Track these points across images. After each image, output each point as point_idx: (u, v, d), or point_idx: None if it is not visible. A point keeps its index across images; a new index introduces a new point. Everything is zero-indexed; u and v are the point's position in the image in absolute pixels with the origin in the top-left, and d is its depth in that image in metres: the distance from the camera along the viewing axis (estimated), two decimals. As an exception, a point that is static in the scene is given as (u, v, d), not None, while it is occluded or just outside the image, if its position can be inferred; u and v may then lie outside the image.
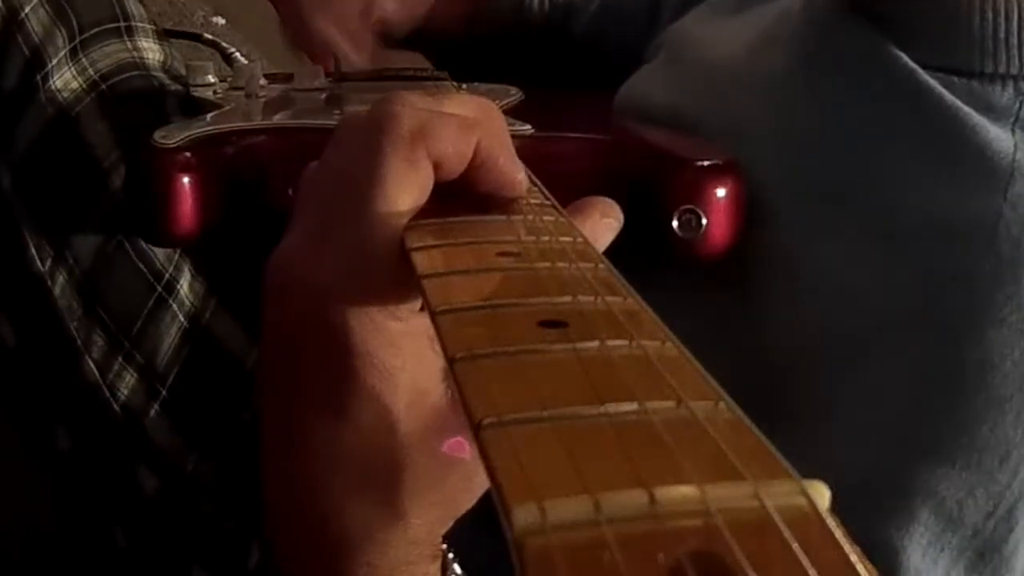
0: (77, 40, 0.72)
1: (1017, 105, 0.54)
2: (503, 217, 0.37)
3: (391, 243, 0.34)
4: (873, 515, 0.48)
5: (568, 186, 0.48)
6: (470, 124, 0.36)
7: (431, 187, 0.36)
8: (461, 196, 0.37)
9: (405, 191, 0.35)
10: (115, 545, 0.72)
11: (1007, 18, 0.54)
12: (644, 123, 0.67)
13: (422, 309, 0.35)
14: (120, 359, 0.70)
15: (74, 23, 0.73)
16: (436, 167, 0.36)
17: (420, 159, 0.35)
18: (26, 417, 0.76)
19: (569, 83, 0.78)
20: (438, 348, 0.28)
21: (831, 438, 0.51)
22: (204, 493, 0.71)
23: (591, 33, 0.84)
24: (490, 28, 0.82)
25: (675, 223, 0.56)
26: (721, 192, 0.56)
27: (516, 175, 0.38)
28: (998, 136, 0.53)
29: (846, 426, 0.51)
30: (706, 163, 0.57)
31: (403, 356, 0.35)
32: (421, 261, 0.33)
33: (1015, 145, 0.53)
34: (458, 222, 0.36)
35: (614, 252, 0.33)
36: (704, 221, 0.56)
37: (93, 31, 0.73)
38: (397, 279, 0.34)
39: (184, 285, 0.71)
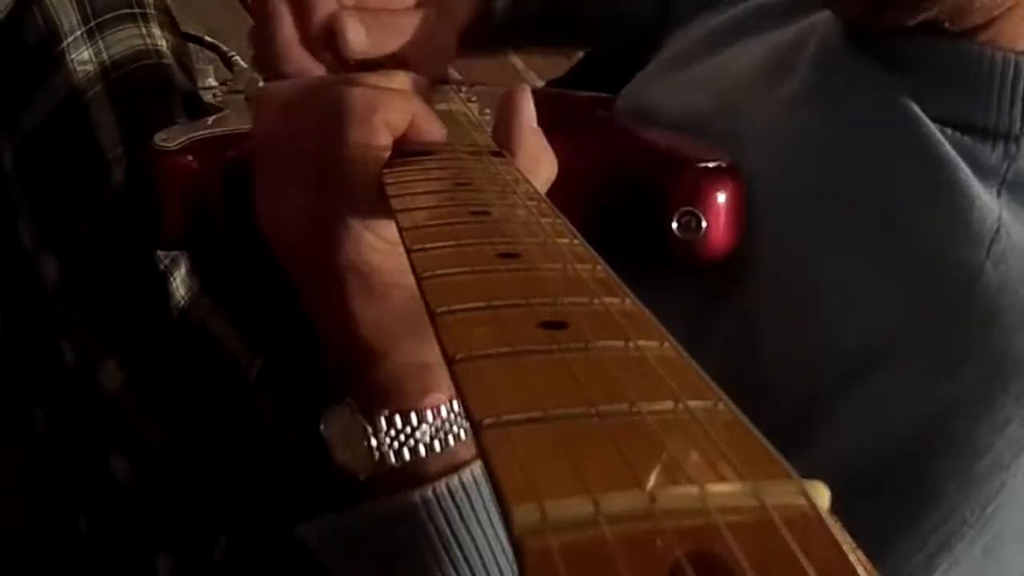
0: (93, 22, 0.72)
1: (1004, 167, 0.54)
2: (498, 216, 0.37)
3: (372, 186, 0.43)
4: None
5: (568, 186, 0.49)
6: (407, 97, 0.47)
7: (391, 144, 0.45)
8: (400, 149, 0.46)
9: (372, 150, 0.44)
10: (78, 535, 0.72)
11: (1003, 74, 0.54)
12: (645, 125, 0.67)
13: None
14: (102, 343, 0.70)
15: (88, 6, 0.73)
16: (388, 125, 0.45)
17: (379, 127, 0.44)
18: (6, 398, 0.75)
19: (571, 82, 0.78)
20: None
21: (828, 443, 0.51)
22: (175, 482, 0.71)
23: (600, 15, 0.83)
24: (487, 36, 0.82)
25: (674, 225, 0.56)
26: (721, 195, 0.56)
27: (439, 133, 0.47)
28: (983, 194, 0.53)
29: (817, 450, 0.51)
30: (706, 165, 0.57)
31: (388, 270, 0.45)
32: (421, 261, 0.33)
33: (1000, 207, 0.53)
34: (459, 222, 0.37)
35: (613, 253, 0.33)
36: (704, 223, 0.56)
37: (109, 15, 0.73)
38: (381, 212, 0.43)
39: (178, 278, 0.71)
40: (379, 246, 0.45)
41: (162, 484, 0.71)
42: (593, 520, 0.19)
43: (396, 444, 0.47)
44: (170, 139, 0.59)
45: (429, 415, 0.47)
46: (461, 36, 0.73)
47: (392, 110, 0.45)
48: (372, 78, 0.49)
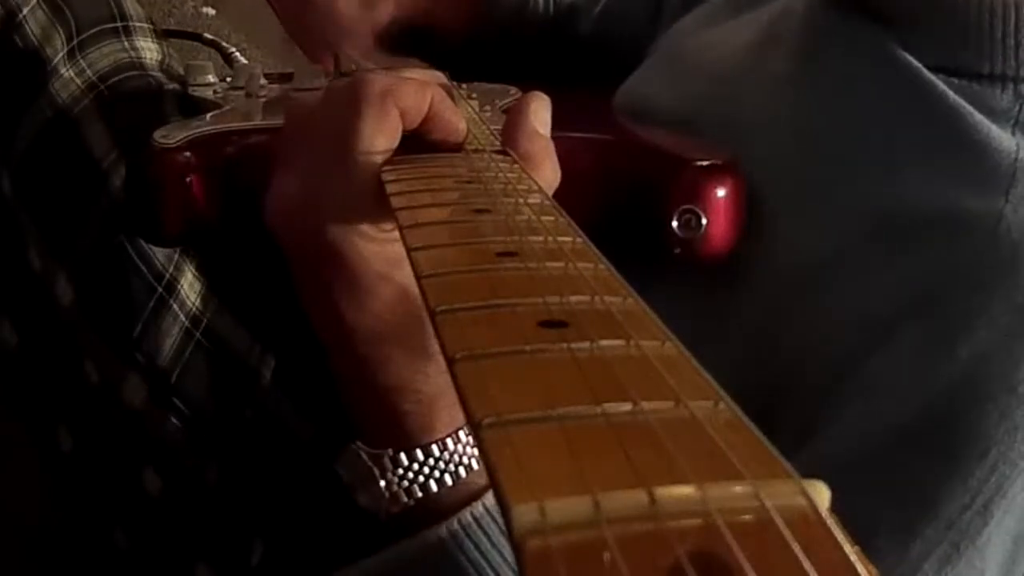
0: (75, 41, 0.72)
1: (1017, 108, 0.54)
2: (497, 215, 0.37)
3: (372, 177, 0.44)
4: (851, 493, 0.48)
5: (568, 186, 0.49)
6: (424, 85, 0.47)
7: (400, 133, 0.45)
8: (421, 144, 0.47)
9: (380, 134, 0.45)
10: (116, 547, 0.72)
11: (1005, 19, 0.54)
12: (644, 123, 0.67)
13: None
14: (122, 359, 0.70)
15: (72, 24, 0.73)
16: (401, 116, 0.45)
17: (389, 110, 0.45)
18: (28, 418, 0.75)
19: (572, 82, 0.78)
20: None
21: (829, 434, 0.51)
22: (208, 492, 0.71)
23: (595, 33, 0.84)
24: (492, 29, 0.82)
25: (675, 223, 0.56)
26: (721, 192, 0.56)
27: (459, 124, 0.48)
28: (1000, 136, 0.53)
29: (846, 421, 0.51)
30: (706, 163, 0.57)
31: (377, 260, 0.46)
32: (421, 260, 0.33)
33: (1017, 145, 0.53)
34: (460, 220, 0.36)
35: (614, 252, 0.33)
36: (704, 221, 0.56)
37: (91, 31, 0.73)
38: (376, 205, 0.43)
39: (185, 285, 0.71)
40: (368, 232, 0.45)
41: (194, 496, 0.71)
42: (593, 520, 0.19)
43: (406, 483, 0.47)
44: (169, 136, 0.59)
45: (435, 450, 0.47)
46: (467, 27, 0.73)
47: (405, 96, 0.46)
48: (393, 71, 0.50)
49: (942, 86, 0.55)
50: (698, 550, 0.19)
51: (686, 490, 0.20)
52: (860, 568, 0.19)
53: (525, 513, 0.19)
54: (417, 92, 0.46)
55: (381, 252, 0.45)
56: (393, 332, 0.46)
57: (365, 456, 0.48)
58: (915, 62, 0.56)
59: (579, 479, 0.20)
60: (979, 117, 0.54)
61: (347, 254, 0.45)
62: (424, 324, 0.41)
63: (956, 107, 0.54)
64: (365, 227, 0.45)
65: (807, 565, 0.19)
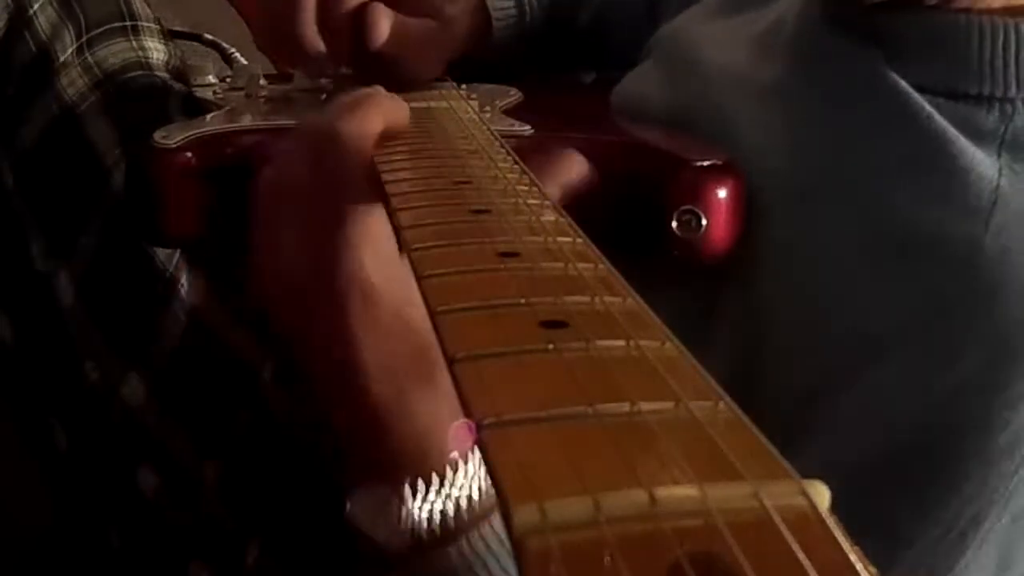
0: (84, 38, 0.73)
1: (1003, 128, 0.54)
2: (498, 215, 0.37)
3: (367, 168, 0.44)
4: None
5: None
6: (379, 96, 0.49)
7: (381, 126, 0.46)
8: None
9: (366, 127, 0.45)
10: (109, 546, 0.72)
11: (993, 39, 0.54)
12: (643, 123, 0.66)
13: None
14: (121, 358, 0.70)
15: (81, 21, 0.73)
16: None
17: (368, 110, 0.46)
18: (24, 415, 0.76)
19: (569, 71, 0.78)
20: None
21: (824, 442, 0.51)
22: (204, 492, 0.71)
23: (593, 23, 0.84)
24: (493, 49, 0.82)
25: (674, 223, 0.56)
26: (721, 192, 0.56)
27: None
28: (982, 161, 0.53)
29: (839, 431, 0.51)
30: (706, 163, 0.57)
31: (392, 292, 0.44)
32: (421, 260, 0.33)
33: (999, 170, 0.53)
34: (459, 221, 0.37)
35: (614, 252, 0.33)
36: (704, 221, 0.56)
37: (99, 29, 0.74)
38: (376, 205, 0.43)
39: (185, 284, 0.71)
40: (380, 256, 0.44)
41: (190, 495, 0.71)
42: (593, 520, 0.19)
43: (429, 507, 0.45)
44: (169, 137, 0.60)
45: (459, 466, 0.45)
46: (463, 50, 0.73)
47: (374, 102, 0.46)
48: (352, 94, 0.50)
49: (928, 108, 0.55)
50: (698, 550, 0.19)
51: (686, 490, 0.20)
52: (860, 568, 0.19)
53: (525, 513, 0.19)
54: (380, 101, 0.47)
55: (390, 282, 0.44)
56: (408, 366, 0.45)
57: (388, 488, 0.45)
58: (902, 82, 0.56)
59: (579, 479, 0.20)
60: (964, 142, 0.54)
61: (360, 285, 0.44)
62: (432, 355, 0.40)
63: (941, 131, 0.54)
64: (371, 252, 0.44)
65: (807, 565, 0.19)
